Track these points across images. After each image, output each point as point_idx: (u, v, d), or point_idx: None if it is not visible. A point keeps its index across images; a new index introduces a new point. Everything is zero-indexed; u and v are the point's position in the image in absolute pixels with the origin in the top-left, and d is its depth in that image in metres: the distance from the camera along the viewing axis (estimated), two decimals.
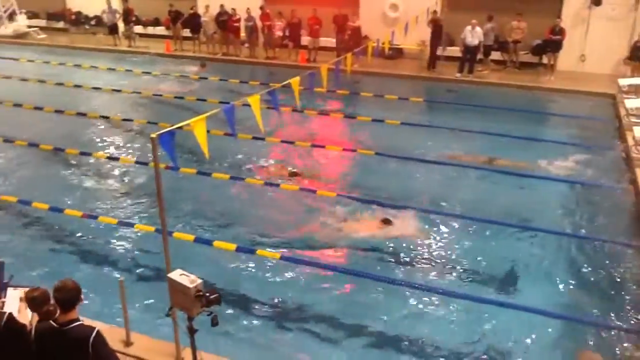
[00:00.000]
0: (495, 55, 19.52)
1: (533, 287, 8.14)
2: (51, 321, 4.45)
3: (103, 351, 4.45)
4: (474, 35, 18.04)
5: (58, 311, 4.59)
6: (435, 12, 19.01)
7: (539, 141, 13.40)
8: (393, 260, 8.74)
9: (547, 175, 11.60)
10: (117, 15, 22.85)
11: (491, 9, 18.64)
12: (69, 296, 4.40)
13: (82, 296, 4.52)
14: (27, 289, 5.24)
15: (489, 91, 17.47)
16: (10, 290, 5.55)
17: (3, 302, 5.37)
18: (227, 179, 11.09)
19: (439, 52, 19.32)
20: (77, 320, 4.48)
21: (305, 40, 20.67)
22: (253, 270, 8.47)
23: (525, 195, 10.99)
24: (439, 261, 8.72)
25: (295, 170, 11.70)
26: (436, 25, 18.80)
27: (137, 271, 8.46)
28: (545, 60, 18.98)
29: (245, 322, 7.36)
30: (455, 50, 19.42)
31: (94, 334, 4.40)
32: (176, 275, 5.12)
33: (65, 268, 8.43)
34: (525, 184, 11.33)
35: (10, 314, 4.82)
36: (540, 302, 7.66)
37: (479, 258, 8.78)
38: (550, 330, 7.26)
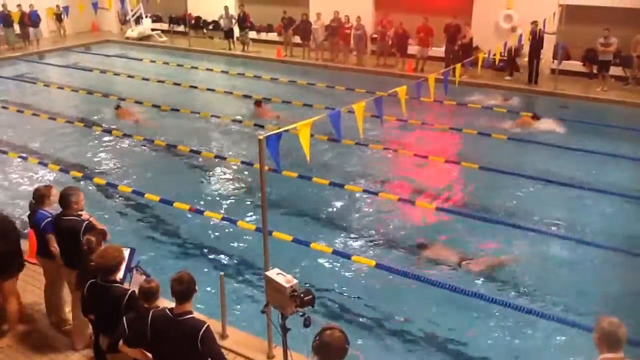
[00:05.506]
0: (617, 70, 18.38)
1: None
2: (167, 310, 4.67)
3: (211, 346, 4.60)
4: None
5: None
6: (535, 22, 17.76)
7: None
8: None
9: None
10: (234, 21, 23.78)
11: (613, 21, 17.58)
12: (184, 288, 4.61)
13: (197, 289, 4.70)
14: (144, 278, 5.57)
15: (606, 109, 16.46)
16: (134, 272, 5.98)
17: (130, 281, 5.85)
18: (327, 184, 11.23)
19: (554, 65, 18.47)
20: (191, 312, 4.66)
21: (413, 49, 20.49)
22: (347, 275, 8.51)
23: None
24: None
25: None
26: (535, 37, 17.84)
27: (237, 267, 8.75)
28: None
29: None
30: (573, 65, 18.51)
31: (204, 328, 4.55)
32: (273, 273, 5.21)
33: (170, 258, 8.91)
34: None
35: (133, 291, 5.19)
36: None
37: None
38: None
